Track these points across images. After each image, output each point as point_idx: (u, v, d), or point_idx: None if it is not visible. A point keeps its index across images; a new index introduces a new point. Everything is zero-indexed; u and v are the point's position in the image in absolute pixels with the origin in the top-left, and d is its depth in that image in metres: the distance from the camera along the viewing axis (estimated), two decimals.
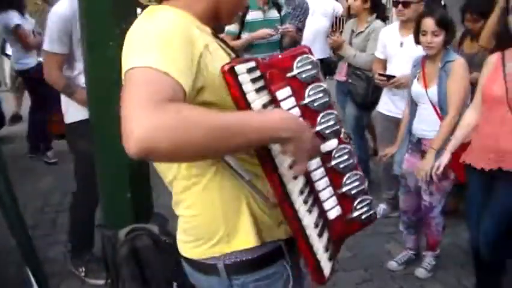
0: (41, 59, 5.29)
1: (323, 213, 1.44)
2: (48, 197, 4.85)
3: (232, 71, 1.26)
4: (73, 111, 3.38)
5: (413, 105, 3.49)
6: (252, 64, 1.31)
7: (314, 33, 5.87)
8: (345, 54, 4.58)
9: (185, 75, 1.16)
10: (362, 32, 4.61)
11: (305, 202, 1.38)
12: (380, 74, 4.09)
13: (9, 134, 6.66)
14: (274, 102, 1.35)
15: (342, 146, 1.46)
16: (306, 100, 1.40)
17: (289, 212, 1.36)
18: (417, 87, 3.41)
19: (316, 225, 1.40)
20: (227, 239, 1.41)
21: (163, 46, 1.16)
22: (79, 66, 3.18)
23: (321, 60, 6.13)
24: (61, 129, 6.18)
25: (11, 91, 7.18)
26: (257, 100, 1.30)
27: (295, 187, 1.36)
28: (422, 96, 3.37)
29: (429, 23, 3.24)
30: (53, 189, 4.98)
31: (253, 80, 1.30)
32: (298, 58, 1.41)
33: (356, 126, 4.72)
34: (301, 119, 1.35)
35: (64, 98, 3.43)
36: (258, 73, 1.32)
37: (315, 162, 1.41)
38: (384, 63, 4.25)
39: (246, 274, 1.43)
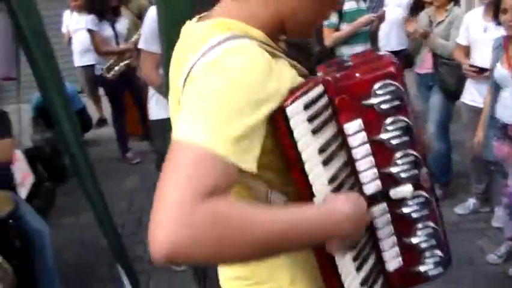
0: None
1: (380, 263, 1.28)
2: (133, 197, 5.01)
3: (282, 114, 1.04)
4: (157, 109, 3.49)
5: (496, 90, 3.33)
6: (319, 90, 1.12)
7: (389, 24, 5.72)
8: (433, 45, 4.41)
9: (247, 150, 0.94)
10: (442, 21, 4.43)
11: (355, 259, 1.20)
12: (472, 66, 3.93)
13: (95, 137, 6.92)
14: (341, 134, 1.16)
15: (417, 192, 1.23)
16: (382, 136, 1.17)
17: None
18: (501, 70, 3.24)
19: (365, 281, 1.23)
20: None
21: (226, 115, 0.92)
22: None
23: (398, 52, 6.06)
24: (138, 129, 6.44)
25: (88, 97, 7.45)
26: (311, 146, 1.09)
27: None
28: (507, 79, 3.20)
29: (509, 0, 3.07)
30: (138, 189, 5.14)
31: (312, 118, 1.09)
32: (379, 84, 1.15)
33: (440, 118, 4.55)
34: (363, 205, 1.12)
35: (150, 94, 3.56)
36: (324, 100, 1.13)
37: (381, 208, 1.22)
38: (466, 49, 4.07)
39: None
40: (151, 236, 0.85)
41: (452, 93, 4.41)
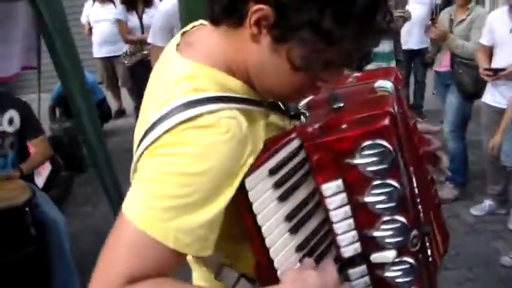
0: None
1: None
2: None
3: (242, 187, 0.94)
4: None
5: None
6: (294, 145, 1.01)
7: (411, 22, 5.67)
8: (451, 45, 4.36)
9: (202, 239, 0.92)
10: (463, 20, 4.38)
11: None
12: (486, 69, 3.88)
13: (113, 128, 6.97)
14: (319, 195, 1.04)
15: (401, 259, 1.09)
16: (366, 199, 1.03)
17: None
18: None
19: None
20: None
21: (176, 208, 0.89)
22: None
23: (419, 51, 6.00)
24: None
25: (121, 85, 7.50)
26: (277, 214, 0.99)
27: None
28: None
29: None
30: None
31: (280, 183, 0.99)
32: (366, 143, 0.99)
33: (457, 117, 4.51)
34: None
35: None
36: (300, 156, 1.02)
37: (360, 270, 1.11)
38: (489, 50, 4.01)
39: None
40: None
41: (470, 94, 4.37)
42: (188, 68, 0.97)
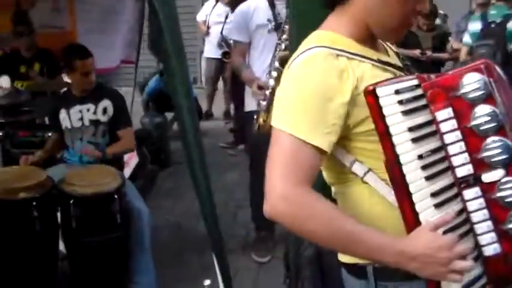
0: None
1: (477, 247, 1.30)
2: (232, 192, 5.06)
3: (373, 93, 1.24)
4: (250, 100, 3.61)
5: None
6: (413, 82, 1.28)
7: None
8: None
9: (328, 135, 1.25)
10: None
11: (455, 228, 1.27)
12: None
13: (201, 128, 7.07)
14: (434, 123, 1.27)
15: (510, 178, 1.26)
16: (471, 123, 1.26)
17: None
18: None
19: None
20: None
21: (306, 111, 1.24)
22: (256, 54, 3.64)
23: None
24: None
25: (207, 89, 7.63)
26: (401, 123, 1.25)
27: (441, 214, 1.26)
28: None
29: None
30: (237, 185, 5.18)
31: (404, 101, 1.25)
32: (467, 76, 1.27)
33: None
34: (438, 243, 1.19)
35: (247, 87, 3.68)
36: (419, 92, 1.28)
37: (474, 191, 1.28)
38: None
39: (393, 281, 1.36)
40: (266, 196, 1.23)
41: None
42: (314, 33, 1.38)
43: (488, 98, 1.26)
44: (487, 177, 1.27)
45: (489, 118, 1.26)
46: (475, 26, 4.18)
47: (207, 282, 2.78)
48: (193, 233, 3.94)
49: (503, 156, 1.25)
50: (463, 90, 1.27)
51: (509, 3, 4.13)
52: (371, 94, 1.23)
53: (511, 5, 4.12)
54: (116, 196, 2.95)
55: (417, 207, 1.24)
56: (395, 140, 1.24)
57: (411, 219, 1.24)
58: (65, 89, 3.89)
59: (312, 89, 1.24)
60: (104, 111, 3.45)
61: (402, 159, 1.24)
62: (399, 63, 1.45)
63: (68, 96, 3.56)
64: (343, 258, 1.46)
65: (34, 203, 2.87)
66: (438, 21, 5.85)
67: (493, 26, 4.01)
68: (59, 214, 3.03)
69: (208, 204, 2.69)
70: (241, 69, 3.70)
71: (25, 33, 4.67)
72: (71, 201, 2.90)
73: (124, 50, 5.44)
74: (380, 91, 1.23)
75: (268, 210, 1.23)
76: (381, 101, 1.23)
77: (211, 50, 7.21)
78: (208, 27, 7.18)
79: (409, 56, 5.75)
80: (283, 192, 1.21)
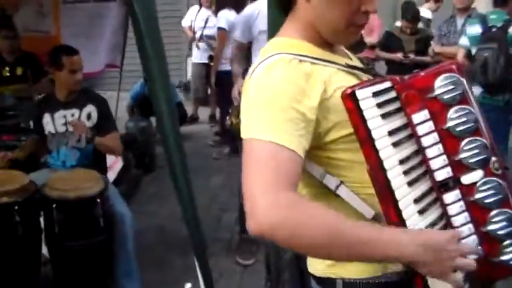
0: None
1: None
2: (216, 196, 5.07)
3: (352, 96, 1.20)
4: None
5: None
6: (387, 85, 1.25)
7: None
8: None
9: (301, 138, 1.19)
10: None
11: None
12: None
13: (186, 132, 7.09)
14: (410, 126, 1.25)
15: (488, 178, 1.26)
16: (448, 124, 1.26)
17: None
18: None
19: None
20: (343, 264, 1.34)
21: (275, 115, 1.18)
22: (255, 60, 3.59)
23: None
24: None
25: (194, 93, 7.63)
26: (382, 127, 1.22)
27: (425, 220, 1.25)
28: None
29: None
30: (222, 188, 5.20)
31: (381, 104, 1.22)
32: (441, 77, 1.27)
33: None
34: (441, 237, 1.19)
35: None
36: (392, 94, 1.25)
37: (454, 194, 1.26)
38: None
39: None
40: (248, 214, 1.11)
41: None
42: (272, 41, 1.38)
43: (463, 99, 1.27)
44: (466, 178, 1.26)
45: (465, 119, 1.26)
46: (474, 29, 4.23)
47: (188, 285, 2.80)
48: (176, 236, 3.94)
49: (481, 157, 1.26)
50: (438, 92, 1.26)
51: (505, 8, 4.19)
52: (350, 97, 1.20)
53: (508, 10, 4.18)
54: (98, 200, 2.96)
55: (404, 215, 1.22)
56: (377, 144, 1.21)
57: (398, 226, 1.22)
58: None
59: (279, 92, 1.19)
60: (89, 116, 3.45)
61: (386, 165, 1.21)
62: (363, 67, 1.43)
63: (52, 101, 3.54)
64: (312, 269, 1.44)
65: (16, 207, 2.87)
66: (421, 25, 5.91)
67: (494, 30, 4.07)
68: (42, 218, 3.03)
69: (190, 208, 2.71)
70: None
71: (9, 37, 4.66)
72: (54, 206, 2.91)
73: (109, 54, 5.43)
74: (359, 94, 1.20)
75: (258, 225, 1.10)
76: (362, 104, 1.20)
77: (197, 55, 7.23)
78: (194, 33, 7.20)
79: (392, 59, 5.84)
80: (271, 200, 1.10)
